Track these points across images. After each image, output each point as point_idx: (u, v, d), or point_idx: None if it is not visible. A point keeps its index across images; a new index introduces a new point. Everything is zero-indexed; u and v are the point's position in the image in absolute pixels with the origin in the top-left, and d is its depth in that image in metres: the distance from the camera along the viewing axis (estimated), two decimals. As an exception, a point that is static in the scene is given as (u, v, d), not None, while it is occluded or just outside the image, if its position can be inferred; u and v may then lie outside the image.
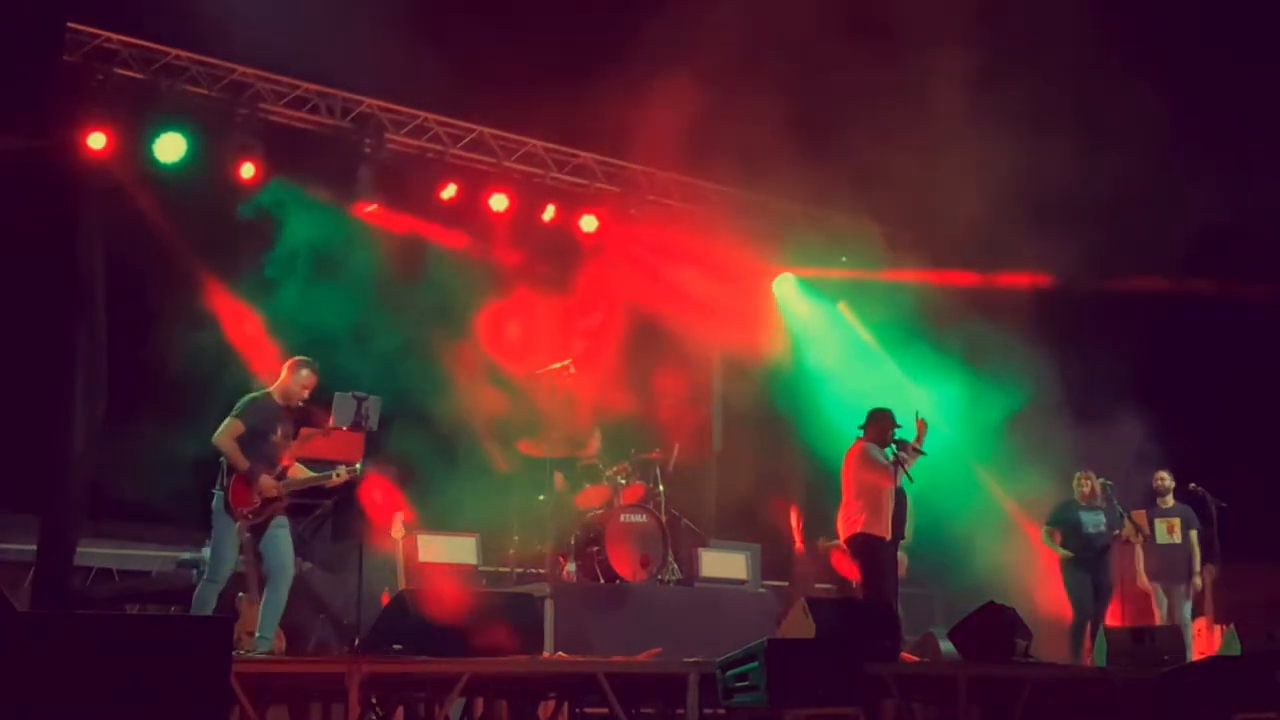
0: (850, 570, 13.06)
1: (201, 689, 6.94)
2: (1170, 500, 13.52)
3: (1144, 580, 13.38)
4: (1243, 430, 14.31)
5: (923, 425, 11.53)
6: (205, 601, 9.47)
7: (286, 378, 9.88)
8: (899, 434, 11.57)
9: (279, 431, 9.73)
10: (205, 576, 9.61)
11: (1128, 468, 13.79)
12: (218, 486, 9.63)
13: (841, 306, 16.09)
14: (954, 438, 14.30)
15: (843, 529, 11.71)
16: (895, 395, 14.29)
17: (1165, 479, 13.51)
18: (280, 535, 9.72)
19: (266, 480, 9.59)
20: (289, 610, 9.89)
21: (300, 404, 9.96)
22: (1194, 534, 13.38)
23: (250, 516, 9.55)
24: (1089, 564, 13.09)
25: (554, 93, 13.21)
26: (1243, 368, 14.38)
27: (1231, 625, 12.68)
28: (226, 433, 9.58)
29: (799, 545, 13.65)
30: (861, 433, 11.77)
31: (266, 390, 9.88)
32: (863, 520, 11.46)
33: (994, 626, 10.65)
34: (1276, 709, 9.89)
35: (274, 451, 9.68)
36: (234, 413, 9.66)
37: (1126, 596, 13.53)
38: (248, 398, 9.79)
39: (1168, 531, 13.41)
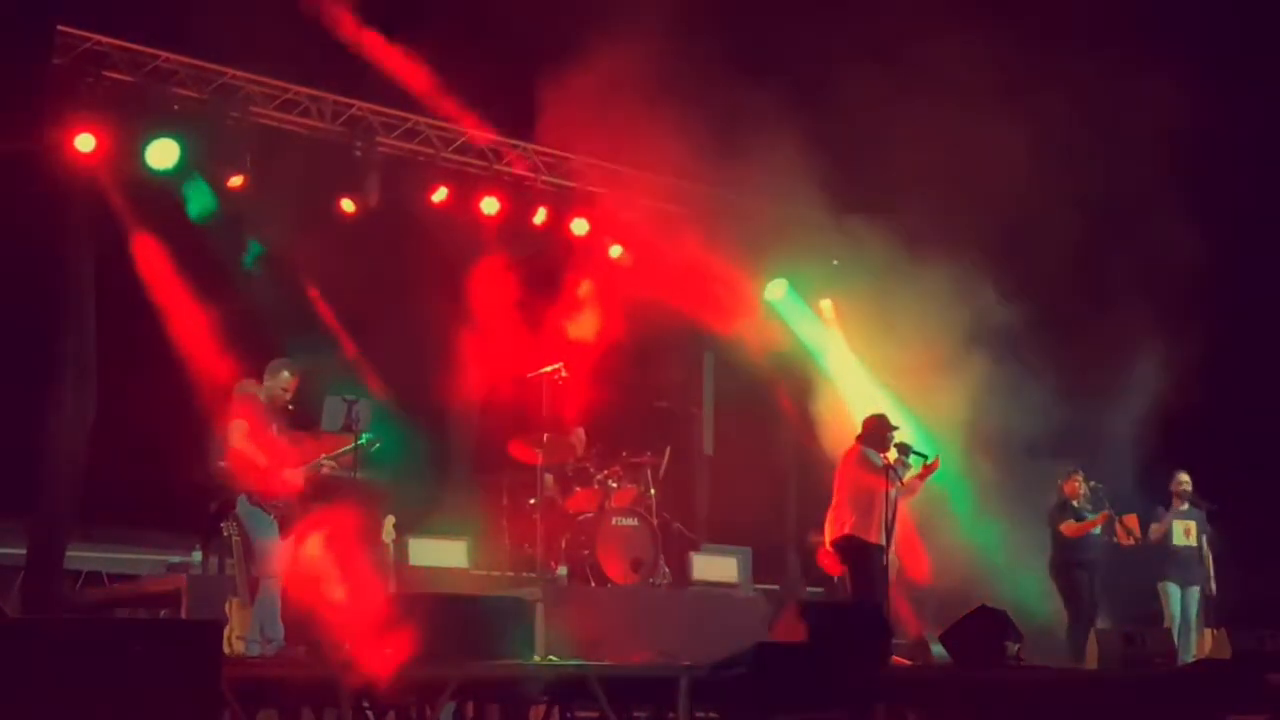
0: (834, 567, 13.10)
1: (192, 692, 6.93)
2: (1187, 503, 13.54)
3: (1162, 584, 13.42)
4: (1237, 431, 14.32)
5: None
6: (274, 601, 9.55)
7: (267, 380, 9.95)
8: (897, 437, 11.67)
9: (275, 427, 9.81)
10: (262, 574, 9.64)
11: (1119, 469, 13.82)
12: (238, 494, 9.68)
13: (832, 308, 16.08)
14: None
15: (831, 530, 11.73)
16: (885, 396, 14.35)
17: (1185, 482, 13.53)
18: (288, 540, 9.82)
19: (289, 471, 9.70)
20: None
21: (286, 405, 10.01)
22: (1205, 538, 13.45)
23: (280, 507, 9.63)
24: (1088, 565, 13.12)
25: (545, 95, 13.24)
26: (1237, 367, 14.37)
27: (1222, 628, 12.71)
28: (238, 434, 9.67)
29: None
30: (856, 437, 11.81)
31: (252, 391, 9.92)
32: (852, 522, 11.47)
33: (985, 630, 10.65)
34: (1267, 712, 9.91)
35: (276, 446, 9.75)
36: (233, 415, 9.72)
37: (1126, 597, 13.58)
38: (235, 399, 9.84)
39: (1184, 534, 13.45)
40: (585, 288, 14.85)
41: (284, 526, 9.69)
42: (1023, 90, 13.30)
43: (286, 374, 9.95)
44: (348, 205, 13.26)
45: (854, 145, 13.54)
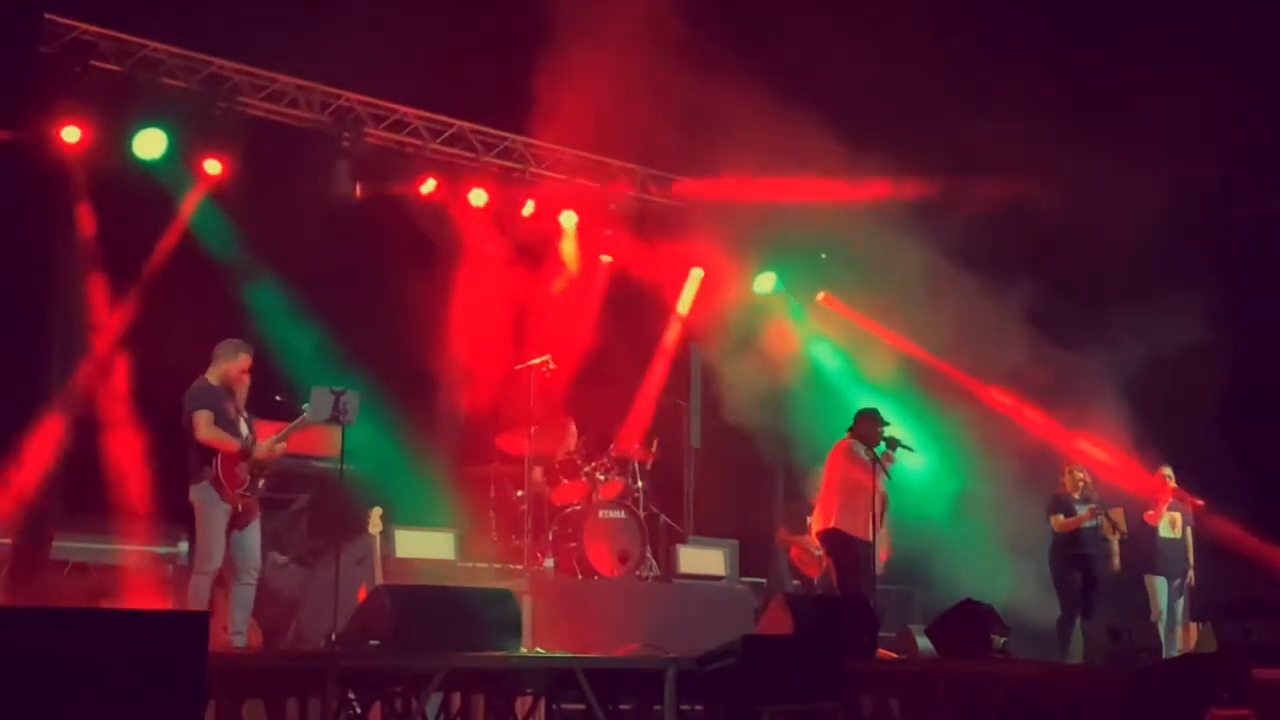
0: (810, 566, 13.15)
1: (178, 684, 6.91)
2: (1172, 497, 13.58)
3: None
4: (1224, 427, 14.35)
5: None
6: (202, 594, 9.49)
7: (221, 363, 9.89)
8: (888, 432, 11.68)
9: (231, 409, 9.78)
10: (196, 569, 9.63)
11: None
12: (196, 480, 9.64)
13: (822, 302, 16.10)
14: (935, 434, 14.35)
15: (817, 521, 11.75)
16: (875, 393, 14.35)
17: (1169, 476, 13.58)
18: (255, 532, 9.81)
19: (259, 446, 9.71)
20: (266, 604, 9.89)
21: (242, 387, 9.95)
22: (1189, 530, 13.51)
23: (246, 495, 9.63)
24: (1082, 559, 13.14)
25: (534, 87, 13.22)
26: (1226, 366, 14.39)
27: (1207, 622, 12.74)
28: (204, 423, 9.61)
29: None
30: (847, 431, 11.83)
31: (204, 378, 9.88)
32: (837, 516, 11.48)
33: (971, 623, 10.67)
34: (1250, 705, 9.93)
35: (235, 429, 9.74)
36: (195, 406, 9.67)
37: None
38: (193, 389, 9.80)
39: (1170, 526, 13.51)
40: (573, 279, 14.89)
41: (242, 518, 9.68)
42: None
43: (243, 355, 9.92)
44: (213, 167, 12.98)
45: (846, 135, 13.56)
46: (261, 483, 9.83)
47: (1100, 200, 13.89)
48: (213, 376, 9.85)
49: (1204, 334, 13.75)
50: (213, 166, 12.65)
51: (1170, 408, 13.91)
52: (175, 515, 11.72)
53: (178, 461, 10.09)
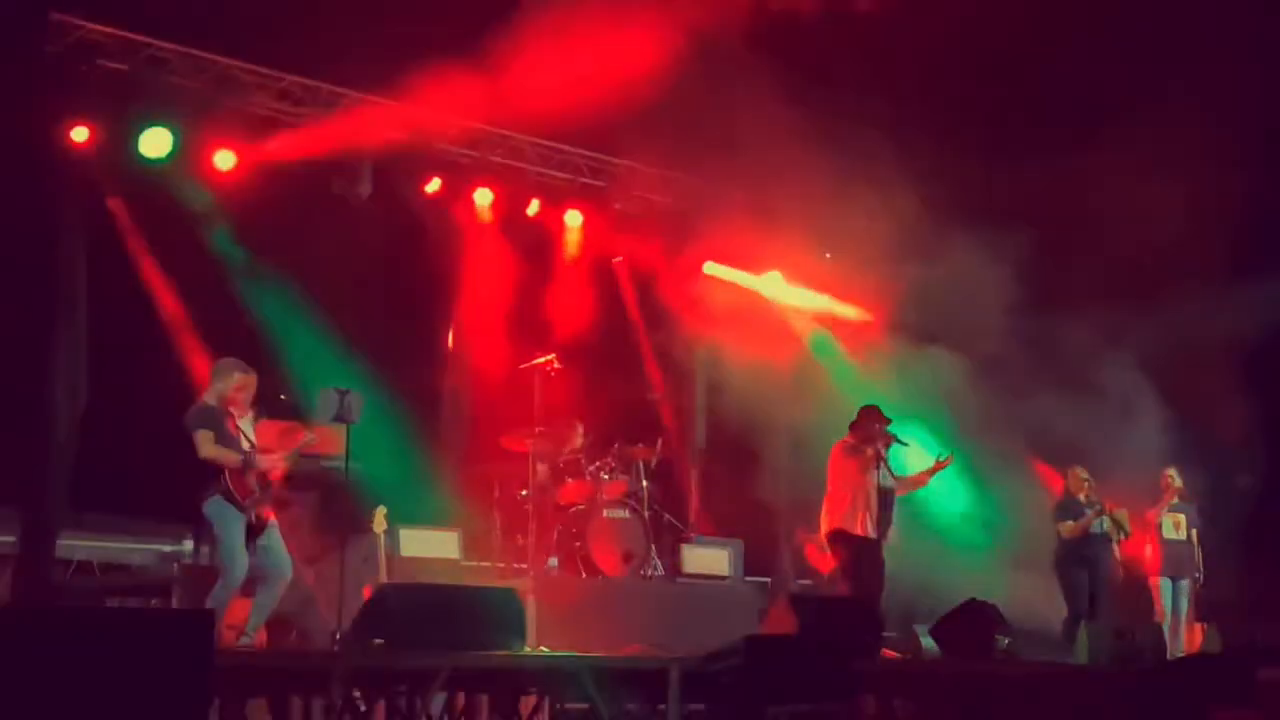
0: (822, 563, 13.14)
1: (182, 682, 6.93)
2: (1176, 498, 13.57)
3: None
4: (1225, 428, 14.34)
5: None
6: (222, 604, 9.47)
7: (215, 383, 9.86)
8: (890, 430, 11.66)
9: (231, 428, 9.76)
10: (221, 580, 9.59)
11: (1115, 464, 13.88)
12: (207, 497, 9.63)
13: (826, 301, 16.10)
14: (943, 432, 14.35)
15: (823, 524, 11.75)
16: (880, 393, 14.35)
17: (1174, 477, 13.57)
18: (276, 535, 9.82)
19: (258, 466, 9.71)
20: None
21: (242, 404, 9.91)
22: (1195, 532, 13.49)
23: (257, 502, 9.63)
24: (1089, 561, 13.13)
25: (538, 86, 13.21)
26: (1224, 366, 14.38)
27: (1213, 623, 12.73)
28: (205, 442, 9.58)
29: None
30: (849, 428, 11.82)
31: (202, 400, 9.87)
32: (841, 516, 11.48)
33: (976, 623, 10.66)
34: (1255, 706, 9.92)
35: (236, 444, 9.74)
36: (195, 427, 9.64)
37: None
38: (191, 411, 9.79)
39: (1174, 527, 13.50)
40: (578, 279, 14.88)
41: (259, 525, 9.68)
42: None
43: (238, 374, 9.87)
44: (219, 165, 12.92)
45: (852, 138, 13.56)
46: (271, 489, 9.85)
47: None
48: (210, 397, 9.85)
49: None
50: (219, 164, 12.65)
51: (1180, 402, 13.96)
52: (180, 514, 11.76)
53: (182, 460, 10.10)
